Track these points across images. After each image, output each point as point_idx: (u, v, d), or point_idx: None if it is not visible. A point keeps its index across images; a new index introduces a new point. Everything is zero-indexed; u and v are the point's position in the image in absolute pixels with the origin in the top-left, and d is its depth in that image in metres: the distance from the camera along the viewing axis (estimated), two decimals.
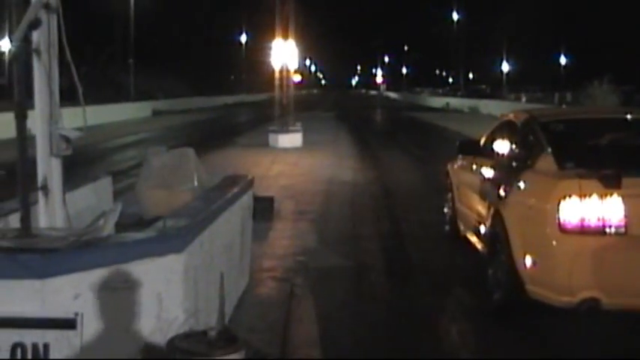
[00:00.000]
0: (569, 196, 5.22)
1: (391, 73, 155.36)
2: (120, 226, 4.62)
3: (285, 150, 20.83)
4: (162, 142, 24.21)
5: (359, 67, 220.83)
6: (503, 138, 7.46)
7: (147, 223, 4.99)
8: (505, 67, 74.00)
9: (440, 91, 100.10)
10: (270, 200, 10.35)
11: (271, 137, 22.27)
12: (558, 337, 5.61)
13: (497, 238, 6.30)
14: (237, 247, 5.97)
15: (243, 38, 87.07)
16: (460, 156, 8.91)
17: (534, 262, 5.51)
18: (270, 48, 25.37)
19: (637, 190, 5.24)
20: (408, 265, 8.06)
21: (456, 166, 9.14)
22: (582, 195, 5.20)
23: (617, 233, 5.19)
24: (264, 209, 9.75)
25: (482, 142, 8.21)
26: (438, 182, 11.22)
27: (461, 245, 8.19)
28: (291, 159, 18.68)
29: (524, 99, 62.05)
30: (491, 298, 6.22)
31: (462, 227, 8.44)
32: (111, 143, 24.51)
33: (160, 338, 3.68)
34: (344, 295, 6.80)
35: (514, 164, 6.66)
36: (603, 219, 5.19)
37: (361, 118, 43.07)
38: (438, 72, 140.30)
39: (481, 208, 7.20)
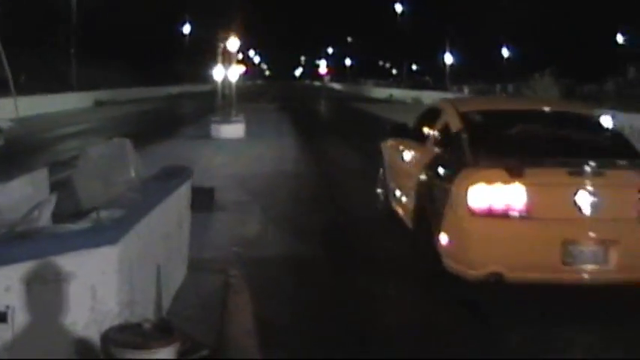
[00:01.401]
0: (478, 183, 5.89)
1: (335, 65, 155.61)
2: (57, 218, 4.58)
3: (228, 141, 20.77)
4: (103, 132, 23.93)
5: (303, 59, 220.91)
6: (428, 125, 8.04)
7: (83, 215, 4.94)
8: (448, 58, 74.57)
9: (383, 82, 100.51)
10: (210, 191, 10.33)
11: (214, 128, 22.19)
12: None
13: (421, 215, 6.98)
14: (174, 238, 5.95)
15: (187, 29, 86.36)
16: (391, 138, 9.59)
17: (449, 240, 6.14)
18: (213, 39, 25.19)
19: (539, 179, 5.91)
20: (350, 256, 8.10)
21: (387, 148, 9.82)
22: (489, 183, 5.85)
23: (520, 217, 5.84)
24: (204, 200, 9.73)
25: (411, 126, 8.96)
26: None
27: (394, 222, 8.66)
28: (234, 150, 18.64)
29: (466, 90, 62.80)
30: (418, 269, 6.95)
31: (393, 203, 9.03)
32: (51, 134, 24.13)
33: (94, 330, 3.65)
34: (280, 284, 6.86)
35: (435, 150, 7.32)
36: (507, 204, 5.83)
37: (305, 109, 43.14)
38: (381, 63, 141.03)
39: (408, 187, 7.78)
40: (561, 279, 5.89)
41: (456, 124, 7.02)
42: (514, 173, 5.83)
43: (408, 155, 8.41)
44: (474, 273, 5.92)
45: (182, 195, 6.31)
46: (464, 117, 7.09)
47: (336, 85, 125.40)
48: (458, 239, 6.08)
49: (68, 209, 5.80)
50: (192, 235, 6.93)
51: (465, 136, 6.69)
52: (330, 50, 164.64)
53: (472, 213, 5.90)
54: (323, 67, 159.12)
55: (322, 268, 7.57)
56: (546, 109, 7.95)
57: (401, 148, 8.80)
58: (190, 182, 6.83)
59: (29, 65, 44.93)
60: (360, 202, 11.32)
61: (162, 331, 3.27)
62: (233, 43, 24.08)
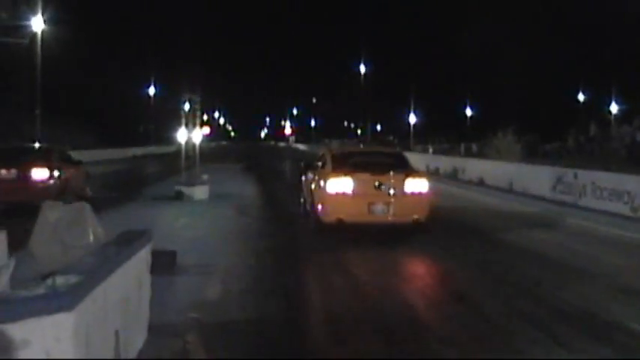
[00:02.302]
0: (333, 179, 13.59)
1: (300, 125, 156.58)
2: (15, 281, 4.53)
3: (192, 203, 20.70)
4: (66, 194, 23.71)
5: (268, 119, 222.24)
6: (318, 159, 16.34)
7: (40, 280, 4.89)
8: (412, 118, 75.37)
9: (348, 142, 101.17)
10: (172, 254, 10.28)
11: (177, 189, 22.12)
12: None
13: (310, 199, 15.29)
14: (134, 302, 5.90)
15: (152, 90, 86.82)
16: (305, 171, 17.31)
17: (321, 207, 13.90)
18: (178, 100, 25.32)
19: (358, 176, 13.53)
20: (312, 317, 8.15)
21: (303, 177, 17.56)
22: (337, 177, 13.58)
23: (350, 193, 13.47)
24: (166, 263, 9.69)
25: (312, 164, 16.84)
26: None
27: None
28: (197, 211, 18.57)
29: (431, 150, 63.38)
30: (309, 225, 15.11)
31: (302, 200, 17.44)
32: None
33: None
34: (239, 350, 6.80)
35: (320, 167, 15.18)
36: (345, 188, 13.49)
37: (269, 170, 43.14)
38: (346, 123, 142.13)
39: (307, 189, 16.03)
40: (368, 221, 13.57)
41: (328, 155, 15.34)
42: (347, 173, 13.64)
43: (310, 176, 16.19)
44: (331, 219, 13.67)
45: (142, 259, 6.28)
46: (331, 153, 15.87)
47: (301, 146, 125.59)
48: (324, 205, 13.86)
49: (27, 272, 5.74)
50: (152, 300, 6.87)
51: (330, 158, 14.95)
52: (294, 111, 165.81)
53: (329, 192, 13.60)
54: (288, 127, 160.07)
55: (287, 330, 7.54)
56: (371, 150, 19.36)
57: (308, 174, 16.62)
58: (150, 246, 6.80)
59: None
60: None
61: None
62: (196, 105, 24.22)
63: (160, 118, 79.59)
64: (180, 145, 25.66)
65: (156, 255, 7.14)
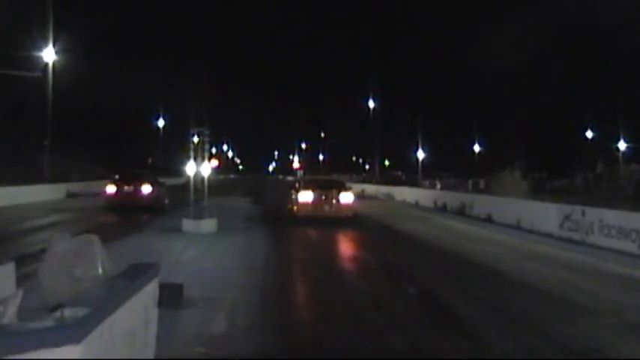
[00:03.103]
0: (300, 193, 26.48)
1: (308, 159, 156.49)
2: (22, 312, 4.53)
3: (200, 236, 20.69)
4: (74, 225, 23.76)
5: (276, 153, 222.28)
6: (296, 183, 30.60)
7: (49, 311, 4.89)
8: (420, 154, 75.39)
9: (356, 177, 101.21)
10: (179, 287, 10.26)
11: (185, 222, 22.11)
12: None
13: (289, 205, 27.79)
14: (140, 336, 5.88)
15: (161, 122, 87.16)
16: (292, 190, 28.28)
17: (295, 208, 26.56)
18: (187, 133, 25.36)
19: (314, 192, 26.38)
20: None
21: (291, 191, 27.91)
22: (303, 192, 26.48)
23: (309, 202, 26.14)
24: (173, 296, 9.66)
25: (295, 185, 29.34)
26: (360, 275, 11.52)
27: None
28: (205, 245, 18.55)
29: (438, 185, 63.22)
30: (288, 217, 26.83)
31: (289, 207, 27.74)
32: (22, 226, 23.93)
33: None
34: None
35: (295, 188, 27.93)
36: (307, 198, 26.21)
37: (277, 204, 43.15)
38: (354, 158, 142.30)
39: (291, 200, 27.75)
40: (320, 215, 25.74)
41: (299, 183, 29.12)
42: (309, 189, 26.69)
43: (292, 192, 27.60)
44: (300, 214, 26.10)
45: (149, 292, 6.27)
46: (302, 180, 33.47)
47: None
48: (297, 208, 26.42)
49: (34, 303, 5.74)
50: (159, 333, 6.85)
51: (299, 183, 28.94)
52: (303, 145, 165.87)
53: (297, 202, 26.35)
54: (296, 162, 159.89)
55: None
56: (324, 178, 39.02)
57: (291, 191, 28.00)
58: (158, 279, 6.79)
59: (0, 154, 44.98)
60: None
61: None
62: (205, 138, 24.29)
63: (169, 149, 79.81)
64: (188, 177, 25.67)
65: (163, 288, 7.13)
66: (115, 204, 30.57)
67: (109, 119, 66.73)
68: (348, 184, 30.35)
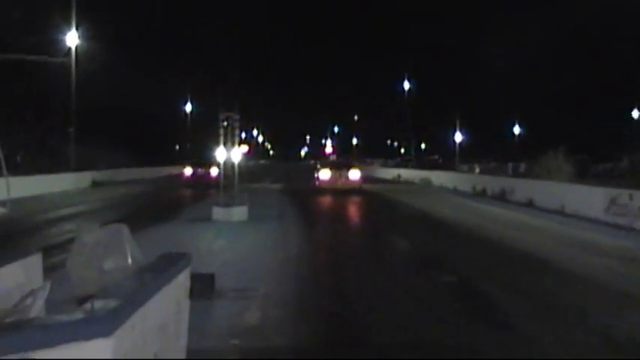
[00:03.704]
0: (321, 171, 39.51)
1: (341, 144, 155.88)
2: (50, 304, 4.58)
3: (230, 224, 20.79)
4: (100, 214, 24.02)
5: (308, 138, 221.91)
6: (316, 165, 45.78)
7: (78, 303, 4.93)
8: (458, 137, 74.72)
9: (392, 162, 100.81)
10: (210, 277, 10.30)
11: (215, 211, 22.22)
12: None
13: (313, 177, 42.18)
14: (172, 328, 5.91)
15: (189, 107, 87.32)
16: (313, 169, 42.78)
17: (317, 181, 39.15)
18: (216, 118, 25.38)
19: (329, 169, 39.35)
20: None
21: (315, 170, 41.01)
22: (323, 170, 39.12)
23: (326, 177, 38.41)
24: (204, 287, 9.70)
25: (317, 165, 43.54)
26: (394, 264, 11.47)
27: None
28: (236, 233, 18.66)
29: (477, 170, 62.82)
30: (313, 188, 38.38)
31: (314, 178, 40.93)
32: (47, 215, 24.21)
33: None
34: None
35: (317, 167, 41.56)
36: (324, 174, 38.60)
37: (309, 190, 43.29)
38: (389, 142, 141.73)
39: (314, 175, 40.79)
40: (334, 187, 37.27)
41: (318, 165, 43.25)
42: (326, 168, 39.31)
43: (315, 171, 40.89)
44: (321, 186, 37.98)
45: (180, 284, 6.29)
46: (319, 162, 49.48)
47: None
48: (317, 182, 38.78)
49: (63, 296, 5.79)
50: (190, 325, 6.89)
51: (319, 165, 42.35)
52: (335, 129, 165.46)
53: (319, 178, 38.64)
54: (329, 146, 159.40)
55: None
56: (338, 160, 63.63)
57: (314, 170, 41.34)
58: (189, 269, 6.83)
59: (26, 144, 45.38)
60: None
61: None
62: (235, 123, 24.32)
63: (197, 136, 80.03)
64: (218, 164, 25.78)
65: (194, 279, 7.16)
66: (190, 183, 42.24)
67: (134, 106, 66.99)
68: (356, 164, 45.29)
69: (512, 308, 10.13)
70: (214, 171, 37.59)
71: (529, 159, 52.61)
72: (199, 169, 42.46)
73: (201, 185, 39.47)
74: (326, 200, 34.60)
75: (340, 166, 40.81)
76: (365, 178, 41.48)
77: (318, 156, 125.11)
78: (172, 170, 67.81)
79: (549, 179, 33.35)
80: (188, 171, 44.13)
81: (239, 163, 26.03)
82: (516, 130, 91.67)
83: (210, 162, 38.44)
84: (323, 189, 37.30)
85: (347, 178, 37.95)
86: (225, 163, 24.95)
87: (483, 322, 9.31)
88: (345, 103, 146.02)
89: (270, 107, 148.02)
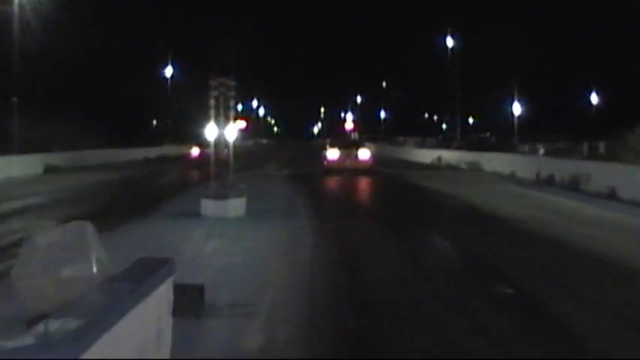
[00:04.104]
0: (329, 150, 47.64)
1: (365, 118, 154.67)
2: None
3: (224, 221, 20.77)
4: (58, 209, 24.05)
5: (322, 111, 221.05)
6: (324, 144, 56.21)
7: (27, 325, 4.90)
8: (516, 109, 73.96)
9: (430, 141, 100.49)
10: (199, 289, 10.28)
11: (205, 204, 22.18)
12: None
13: (321, 158, 50.72)
14: (152, 352, 5.89)
15: (169, 72, 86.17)
16: (322, 149, 55.15)
17: (325, 162, 46.95)
18: (205, 86, 25.28)
19: (338, 149, 47.39)
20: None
21: (323, 150, 51.27)
22: (330, 150, 47.35)
23: (335, 157, 46.55)
24: (191, 301, 9.69)
25: (325, 145, 53.52)
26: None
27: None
28: (232, 233, 18.65)
29: (542, 151, 61.89)
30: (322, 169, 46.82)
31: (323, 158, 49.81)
32: None
33: None
34: None
35: (325, 146, 51.06)
36: (333, 155, 46.76)
37: (323, 181, 43.37)
38: (427, 116, 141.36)
39: (323, 155, 50.18)
40: (343, 167, 45.03)
41: (327, 142, 54.88)
42: (334, 148, 47.42)
43: (323, 150, 50.48)
44: (329, 167, 46.00)
45: (161, 297, 6.27)
46: (326, 142, 56.92)
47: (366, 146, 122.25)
48: (325, 162, 47.07)
49: (9, 315, 5.76)
50: (174, 348, 6.86)
51: (327, 143, 52.99)
52: (358, 99, 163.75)
53: (327, 158, 46.93)
54: (349, 121, 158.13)
55: None
56: (346, 139, 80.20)
57: (323, 150, 51.22)
58: (172, 279, 6.79)
59: None
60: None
61: None
62: (230, 92, 24.25)
63: (182, 109, 79.94)
64: (208, 144, 25.77)
65: (178, 291, 7.13)
66: (198, 164, 45.56)
67: (104, 73, 66.90)
68: (367, 144, 54.26)
69: (591, 331, 10.03)
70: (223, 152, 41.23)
71: (610, 137, 52.26)
72: (206, 150, 45.82)
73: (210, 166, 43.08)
74: (344, 190, 34.73)
75: (349, 145, 50.43)
76: (392, 161, 44.50)
77: (336, 133, 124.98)
78: (149, 153, 67.93)
79: (637, 163, 33.05)
80: (195, 151, 51.88)
81: (234, 143, 26.01)
82: (594, 99, 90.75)
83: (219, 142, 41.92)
84: (334, 171, 44.91)
85: (356, 157, 46.13)
86: (216, 142, 24.94)
87: (552, 346, 9.23)
88: (370, 67, 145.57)
89: (274, 72, 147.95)
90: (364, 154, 46.62)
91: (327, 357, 8.69)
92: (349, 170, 44.26)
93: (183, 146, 75.88)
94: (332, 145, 48.69)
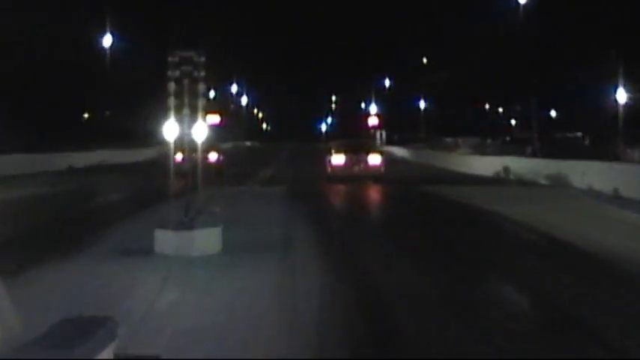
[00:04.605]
0: (334, 155, 61.27)
1: (395, 110, 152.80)
2: None
3: (188, 262, 20.69)
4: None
5: (334, 100, 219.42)
6: (329, 148, 68.21)
7: None
8: (621, 96, 73.14)
9: (491, 143, 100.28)
10: None
11: (161, 237, 22.10)
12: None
13: (325, 165, 64.92)
14: None
15: (108, 41, 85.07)
16: (326, 154, 67.07)
17: (329, 169, 61.31)
18: (161, 63, 25.27)
19: (344, 154, 60.25)
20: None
21: (328, 154, 64.48)
22: (336, 154, 60.78)
23: (341, 164, 59.78)
24: None
25: (330, 148, 66.25)
26: None
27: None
28: (198, 280, 18.59)
29: None
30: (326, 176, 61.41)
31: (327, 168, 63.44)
32: None
33: None
34: None
35: (330, 150, 64.39)
36: (338, 161, 60.09)
37: (337, 202, 43.49)
38: (487, 107, 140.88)
39: (327, 160, 64.25)
40: (350, 174, 58.29)
41: (329, 145, 70.55)
42: (341, 152, 60.69)
43: (327, 155, 64.20)
44: (334, 174, 60.16)
45: None
46: (333, 145, 67.21)
47: (397, 150, 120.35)
48: (330, 169, 61.02)
49: None
50: None
51: (332, 147, 65.06)
52: (387, 82, 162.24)
53: (332, 163, 60.51)
54: (374, 115, 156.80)
55: None
56: (353, 141, 74.41)
57: (327, 155, 64.63)
58: (113, 348, 6.78)
59: None
60: None
61: None
62: (197, 72, 24.24)
63: (125, 95, 79.96)
64: (166, 147, 25.77)
65: None
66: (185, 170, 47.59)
67: (19, 48, 67.35)
68: (380, 148, 69.16)
69: None
70: (213, 156, 54.10)
71: None
72: (193, 154, 49.79)
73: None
74: (367, 214, 34.64)
75: (358, 148, 62.03)
76: (436, 173, 44.52)
77: (356, 131, 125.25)
78: (78, 159, 67.95)
79: None
80: (178, 157, 51.92)
81: (208, 146, 25.99)
82: None
83: (210, 144, 46.43)
84: (339, 178, 57.23)
85: (366, 163, 58.37)
86: (177, 144, 24.87)
87: None
88: (403, 35, 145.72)
89: (263, 43, 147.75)
90: (375, 159, 58.95)
91: None
92: (357, 177, 56.32)
93: (132, 150, 75.96)
94: (338, 149, 60.91)
